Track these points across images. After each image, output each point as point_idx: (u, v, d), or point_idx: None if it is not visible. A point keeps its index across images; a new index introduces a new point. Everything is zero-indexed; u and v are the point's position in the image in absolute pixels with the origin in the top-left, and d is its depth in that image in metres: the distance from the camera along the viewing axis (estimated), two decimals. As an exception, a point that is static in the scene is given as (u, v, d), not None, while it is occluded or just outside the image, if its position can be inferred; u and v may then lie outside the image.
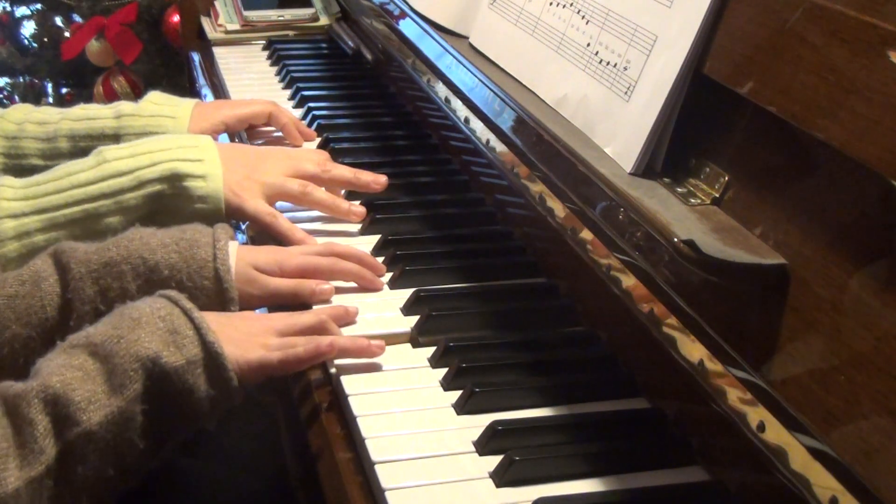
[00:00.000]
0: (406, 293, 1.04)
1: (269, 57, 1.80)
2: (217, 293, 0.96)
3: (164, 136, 1.18)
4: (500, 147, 1.06)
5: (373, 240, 1.15)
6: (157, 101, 1.31)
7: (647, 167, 0.87)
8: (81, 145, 1.26)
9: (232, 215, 1.14)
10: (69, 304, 0.93)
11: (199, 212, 1.11)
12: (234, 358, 0.86)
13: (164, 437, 0.85)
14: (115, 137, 1.26)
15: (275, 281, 1.01)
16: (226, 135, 1.41)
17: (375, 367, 0.93)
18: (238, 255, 1.00)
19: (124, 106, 1.29)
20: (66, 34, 2.83)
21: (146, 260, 0.95)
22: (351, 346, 0.93)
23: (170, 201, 1.11)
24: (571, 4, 1.01)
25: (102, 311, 0.93)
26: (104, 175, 1.09)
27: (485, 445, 0.83)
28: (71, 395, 0.78)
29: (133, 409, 0.81)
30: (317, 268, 1.04)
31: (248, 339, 0.89)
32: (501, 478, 0.79)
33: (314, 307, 1.00)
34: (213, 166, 1.12)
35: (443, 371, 0.93)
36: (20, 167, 1.26)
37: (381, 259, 1.11)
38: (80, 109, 1.30)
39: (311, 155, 1.23)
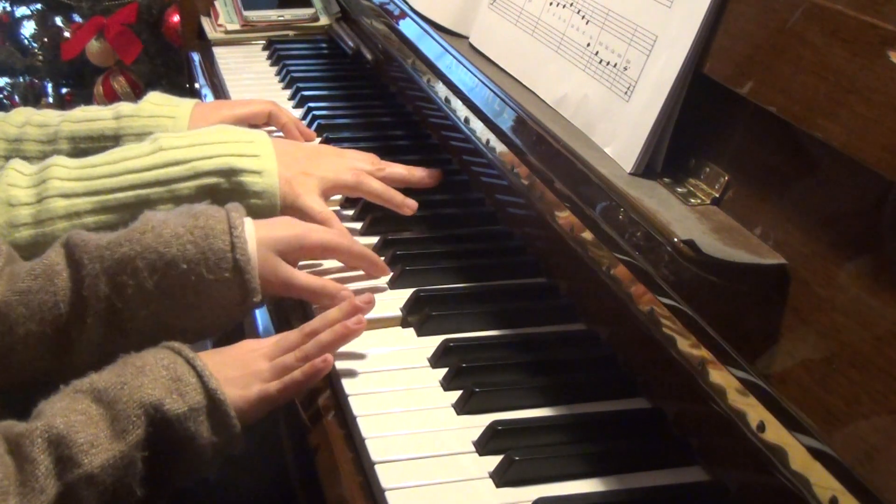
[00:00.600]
0: (406, 293, 1.04)
1: (269, 57, 1.80)
2: (239, 285, 0.95)
3: (222, 127, 1.17)
4: (500, 147, 1.06)
5: (373, 240, 1.16)
6: (157, 102, 1.31)
7: (647, 167, 0.87)
8: (82, 147, 1.26)
9: (287, 210, 1.13)
10: (84, 301, 0.92)
11: (254, 207, 1.10)
12: (235, 399, 0.86)
13: (162, 486, 0.85)
14: (115, 138, 1.26)
15: (299, 278, 1.00)
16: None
17: (375, 368, 0.93)
18: (258, 239, 0.98)
19: (123, 107, 1.29)
20: (66, 34, 2.83)
21: (162, 255, 0.93)
22: (336, 341, 0.92)
23: (225, 195, 1.10)
24: (571, 4, 1.01)
25: (119, 307, 0.92)
26: (159, 163, 1.09)
27: (485, 445, 0.83)
28: (74, 436, 0.78)
29: (134, 454, 0.81)
30: (337, 247, 1.04)
31: (244, 374, 0.89)
32: (501, 478, 0.79)
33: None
34: (268, 162, 1.12)
35: (443, 371, 0.93)
36: None
37: (381, 259, 1.11)
38: (80, 111, 1.30)
39: (362, 154, 1.23)
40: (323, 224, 1.12)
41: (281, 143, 1.19)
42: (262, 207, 1.11)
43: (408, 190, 1.22)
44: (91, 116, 1.28)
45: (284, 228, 1.02)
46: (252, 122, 1.38)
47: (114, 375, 0.84)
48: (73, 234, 0.96)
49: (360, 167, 1.19)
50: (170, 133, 1.14)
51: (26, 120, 1.27)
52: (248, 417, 0.88)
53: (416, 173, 1.23)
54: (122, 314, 0.93)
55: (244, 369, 0.89)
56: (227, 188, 1.10)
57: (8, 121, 1.26)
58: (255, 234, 0.98)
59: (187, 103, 1.32)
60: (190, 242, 0.94)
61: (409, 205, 1.19)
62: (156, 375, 0.84)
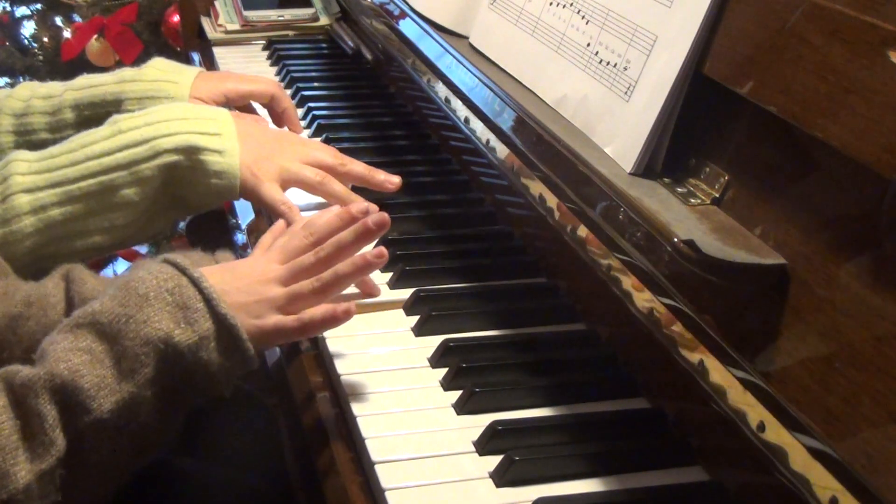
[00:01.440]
0: (406, 293, 1.04)
1: (269, 57, 1.80)
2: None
3: (182, 104, 1.15)
4: (500, 147, 1.06)
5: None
6: (161, 67, 1.29)
7: (647, 167, 0.87)
8: (86, 114, 1.25)
9: (246, 195, 1.12)
10: None
11: (213, 187, 1.09)
12: (247, 326, 0.83)
13: (178, 410, 0.83)
14: (117, 102, 1.24)
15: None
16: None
17: (375, 368, 0.93)
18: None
19: (126, 71, 1.28)
20: (66, 34, 2.83)
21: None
22: (354, 273, 0.90)
23: (185, 173, 1.08)
24: (571, 4, 1.01)
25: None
26: (119, 145, 1.07)
27: (485, 445, 0.83)
28: (79, 381, 0.75)
29: (144, 393, 0.78)
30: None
31: (257, 300, 0.85)
32: (501, 478, 0.79)
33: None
34: (230, 141, 1.10)
35: (443, 371, 0.93)
36: (30, 143, 1.24)
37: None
38: (84, 79, 1.28)
39: (325, 146, 1.21)
40: (283, 216, 1.09)
41: (244, 124, 1.15)
42: (221, 188, 1.09)
43: (414, 191, 1.22)
44: (93, 82, 1.26)
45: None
46: (254, 100, 1.37)
47: (116, 305, 0.79)
48: (75, 271, 0.94)
49: (322, 159, 1.17)
50: (128, 114, 1.11)
51: (31, 93, 1.26)
52: (262, 345, 0.85)
53: (376, 176, 1.19)
54: None
55: (256, 295, 0.85)
56: (187, 166, 1.08)
57: (14, 96, 1.25)
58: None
59: (191, 70, 1.31)
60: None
61: (361, 209, 1.13)
62: (161, 304, 0.79)
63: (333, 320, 0.88)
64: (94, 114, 1.24)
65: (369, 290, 1.01)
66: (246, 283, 0.86)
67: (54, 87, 1.28)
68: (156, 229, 1.14)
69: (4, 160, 1.08)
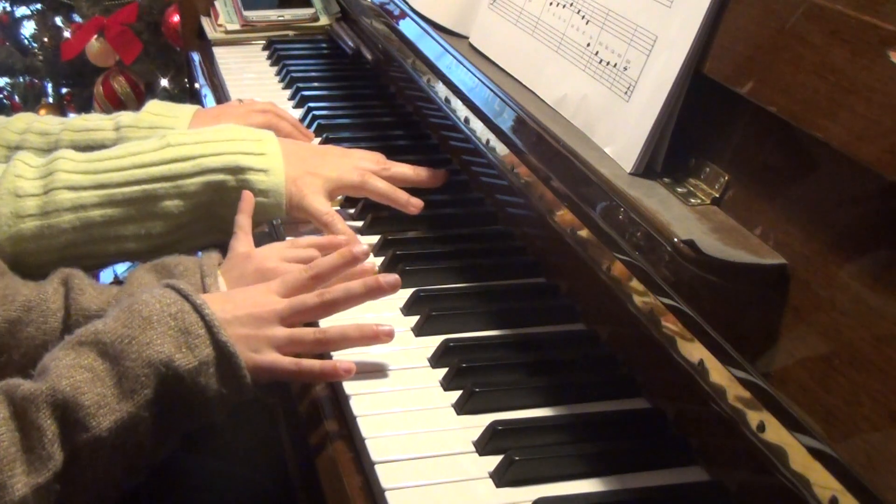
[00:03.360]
0: (406, 293, 1.04)
1: (269, 57, 1.80)
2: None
3: (230, 125, 1.18)
4: (500, 147, 1.06)
5: (373, 240, 1.15)
6: (156, 112, 1.31)
7: (647, 167, 0.87)
8: None
9: (292, 210, 1.14)
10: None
11: (260, 205, 1.11)
12: (245, 359, 0.84)
13: (172, 434, 0.84)
14: None
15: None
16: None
17: (375, 368, 0.93)
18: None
19: (123, 117, 1.30)
20: (66, 34, 2.83)
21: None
22: (359, 338, 0.92)
23: (231, 193, 1.10)
24: (571, 4, 1.01)
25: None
26: (167, 158, 1.09)
27: (485, 445, 0.83)
28: (80, 399, 0.76)
29: (143, 413, 0.79)
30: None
31: (256, 335, 0.86)
32: (501, 478, 0.79)
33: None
34: (275, 160, 1.13)
35: (443, 371, 0.93)
36: None
37: (380, 259, 1.11)
38: (81, 120, 1.30)
39: (367, 154, 1.23)
40: (327, 226, 1.12)
41: (287, 143, 1.19)
42: (267, 206, 1.12)
43: (410, 189, 1.22)
44: (91, 126, 1.28)
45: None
46: None
47: (120, 326, 0.81)
48: (74, 279, 0.94)
49: (365, 167, 1.19)
50: (178, 130, 1.14)
51: (27, 127, 1.28)
52: (254, 380, 0.86)
53: (421, 174, 1.23)
54: None
55: (257, 330, 0.87)
56: (233, 185, 1.11)
57: (9, 127, 1.27)
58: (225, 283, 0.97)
59: (187, 111, 1.32)
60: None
61: (415, 203, 1.19)
62: (164, 328, 0.81)
63: (333, 376, 0.89)
64: None
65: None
66: (246, 313, 0.88)
67: (51, 123, 1.29)
68: (194, 247, 1.16)
69: (52, 155, 1.10)
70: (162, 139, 1.12)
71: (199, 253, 1.08)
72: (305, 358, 0.90)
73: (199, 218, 1.11)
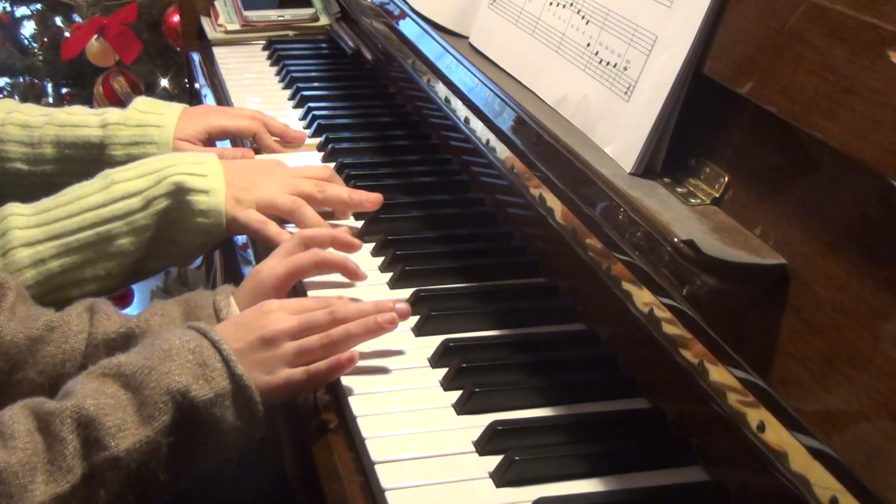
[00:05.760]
0: (406, 293, 1.04)
1: (269, 57, 1.80)
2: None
3: (170, 154, 1.19)
4: (500, 147, 1.06)
5: (373, 240, 1.15)
6: (144, 109, 1.30)
7: (647, 167, 0.87)
8: (67, 152, 1.26)
9: (230, 227, 1.15)
10: (85, 368, 0.90)
11: (200, 225, 1.12)
12: (259, 383, 0.86)
13: (186, 469, 0.86)
14: (101, 147, 1.27)
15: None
16: (228, 141, 1.42)
17: (375, 368, 0.93)
18: (238, 305, 0.99)
19: (110, 114, 1.29)
20: (66, 34, 2.83)
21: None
22: (364, 335, 0.93)
23: (175, 215, 1.11)
24: (571, 4, 1.01)
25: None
26: (114, 197, 1.09)
27: (485, 445, 0.83)
28: (103, 419, 0.79)
29: (160, 440, 0.82)
30: (301, 269, 1.02)
31: (268, 357, 0.88)
32: (501, 478, 0.79)
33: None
34: (216, 181, 1.13)
35: (443, 371, 0.93)
36: (2, 170, 1.26)
37: (381, 259, 1.11)
38: (65, 114, 1.29)
39: (311, 172, 1.22)
40: (259, 231, 1.13)
41: (229, 162, 1.19)
42: (207, 226, 1.13)
43: (414, 191, 1.22)
44: (77, 122, 1.28)
45: (249, 281, 1.02)
46: (237, 137, 1.39)
47: (141, 358, 0.84)
48: (101, 304, 0.98)
49: (303, 189, 1.17)
50: (120, 167, 1.13)
51: (7, 117, 1.26)
52: (271, 400, 0.88)
53: (354, 197, 1.20)
54: None
55: (268, 350, 0.88)
56: (176, 207, 1.11)
57: None
58: (236, 305, 0.99)
59: (174, 109, 1.32)
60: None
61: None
62: (182, 361, 0.84)
63: (339, 369, 0.90)
64: (75, 154, 1.26)
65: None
66: (257, 336, 0.89)
67: (33, 115, 1.29)
68: (146, 275, 1.17)
69: (1, 213, 1.08)
70: (105, 178, 1.11)
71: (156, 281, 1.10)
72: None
73: (150, 246, 1.12)
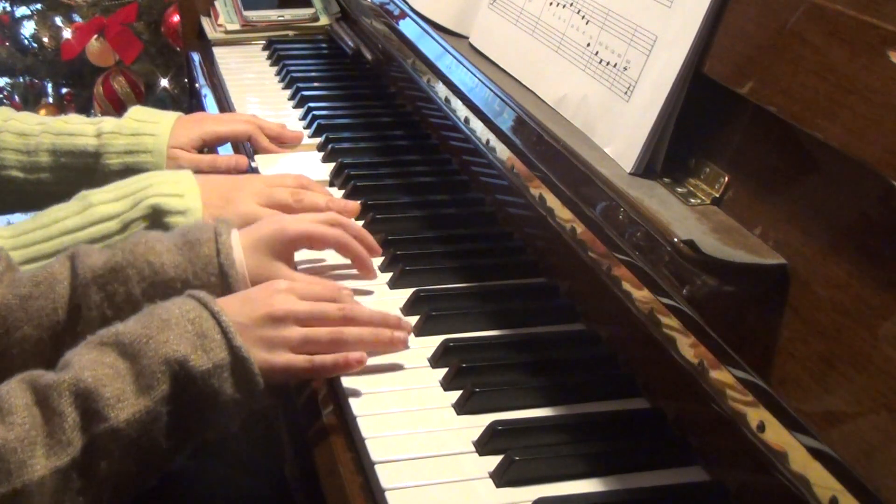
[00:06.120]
0: (406, 293, 1.04)
1: (269, 57, 1.80)
2: (224, 289, 0.96)
3: (146, 174, 1.17)
4: (500, 147, 1.06)
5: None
6: (139, 118, 1.31)
7: (647, 167, 0.87)
8: (63, 161, 1.27)
9: None
10: (77, 308, 0.94)
11: None
12: (259, 360, 0.86)
13: (187, 438, 0.86)
14: (97, 156, 1.27)
15: (288, 274, 1.01)
16: (229, 146, 1.42)
17: (375, 368, 0.93)
18: (244, 243, 0.99)
19: (105, 123, 1.29)
20: (66, 34, 2.83)
21: (151, 263, 0.95)
22: (374, 344, 0.93)
23: None
24: (571, 4, 1.01)
25: (109, 316, 0.93)
26: (91, 220, 1.09)
27: (485, 445, 0.83)
28: (101, 391, 0.79)
29: (159, 409, 0.81)
30: (323, 237, 1.04)
31: (272, 336, 0.88)
32: (501, 478, 0.79)
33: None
34: (193, 200, 1.12)
35: (443, 371, 0.93)
36: None
37: (380, 259, 1.11)
38: (62, 122, 1.30)
39: (287, 181, 1.21)
40: None
41: (204, 180, 1.17)
42: None
43: (414, 191, 1.22)
44: (72, 130, 1.28)
45: (266, 226, 1.03)
46: (233, 140, 1.39)
47: (139, 327, 0.84)
48: (79, 247, 0.98)
49: (279, 199, 1.16)
50: (97, 189, 1.12)
51: (3, 125, 1.27)
52: (270, 380, 0.88)
53: (332, 206, 1.18)
54: (112, 323, 0.93)
55: (273, 329, 0.88)
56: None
57: None
58: (239, 240, 0.99)
59: (169, 118, 1.32)
60: (178, 253, 0.96)
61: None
62: (181, 330, 0.84)
63: (345, 367, 0.90)
64: (71, 162, 1.27)
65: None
66: (263, 314, 0.89)
67: (29, 122, 1.29)
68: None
69: None
70: (83, 199, 1.11)
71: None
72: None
73: None
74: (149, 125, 1.30)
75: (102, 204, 1.10)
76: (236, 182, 1.21)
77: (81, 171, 1.26)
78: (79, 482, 0.79)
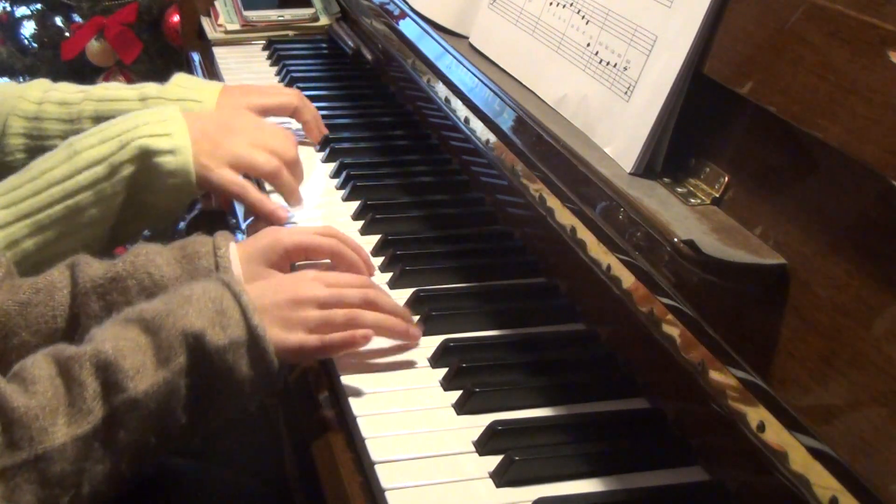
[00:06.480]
0: (406, 293, 1.04)
1: (269, 57, 1.80)
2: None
3: (132, 114, 1.15)
4: (500, 147, 1.06)
5: (373, 240, 1.15)
6: (184, 85, 1.29)
7: (647, 167, 0.87)
8: None
9: (202, 186, 1.13)
10: (76, 317, 0.94)
11: (170, 186, 1.11)
12: (275, 340, 0.87)
13: (205, 415, 0.86)
14: None
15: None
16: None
17: (375, 368, 0.93)
18: (241, 255, 1.00)
19: (149, 88, 1.28)
20: (66, 34, 2.83)
21: (151, 274, 0.95)
22: (387, 330, 0.94)
23: (142, 179, 1.10)
24: (571, 4, 1.01)
25: None
26: (78, 167, 1.07)
27: (485, 445, 0.83)
28: (121, 362, 0.81)
29: (178, 381, 0.83)
30: (318, 247, 1.03)
31: (292, 316, 0.89)
32: (501, 478, 0.79)
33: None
34: (181, 139, 1.11)
35: (443, 371, 0.93)
36: (43, 148, 1.23)
37: (380, 259, 1.11)
38: (102, 89, 1.28)
39: (279, 134, 1.21)
40: (238, 195, 1.13)
41: (194, 117, 1.16)
42: (177, 185, 1.11)
43: (414, 191, 1.22)
44: (115, 96, 1.26)
45: (262, 237, 1.03)
46: (277, 114, 1.37)
47: (161, 304, 0.86)
48: (81, 256, 0.98)
49: (274, 146, 1.16)
50: (82, 134, 1.11)
51: (43, 96, 1.25)
52: (283, 359, 0.89)
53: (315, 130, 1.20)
54: None
55: (293, 311, 0.90)
56: (143, 171, 1.09)
57: (25, 97, 1.25)
58: (237, 252, 0.99)
59: (215, 86, 1.31)
60: (178, 264, 0.97)
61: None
62: (201, 306, 0.85)
63: (353, 343, 0.91)
64: None
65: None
66: (285, 298, 0.90)
67: (70, 92, 1.27)
68: (125, 240, 1.16)
69: None
70: (69, 147, 1.09)
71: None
72: None
73: (124, 212, 1.11)
74: (194, 91, 1.28)
75: (88, 149, 1.08)
76: (229, 122, 1.19)
77: None
78: (99, 451, 0.80)
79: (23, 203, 1.06)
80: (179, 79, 1.30)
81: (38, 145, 1.24)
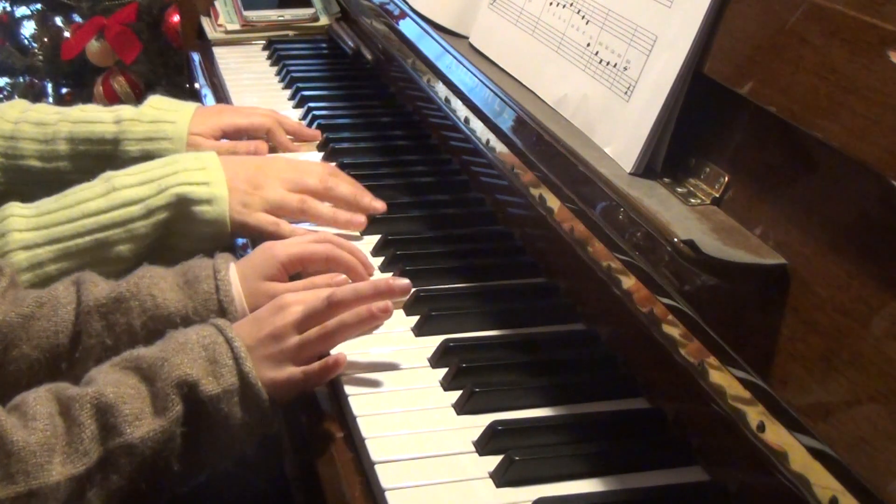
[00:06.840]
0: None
1: (269, 57, 1.80)
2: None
3: (172, 157, 1.17)
4: (500, 147, 1.06)
5: (373, 240, 1.16)
6: (158, 106, 1.30)
7: (647, 167, 0.87)
8: (81, 149, 1.26)
9: (237, 232, 1.14)
10: (78, 335, 0.95)
11: (204, 234, 1.12)
12: (265, 380, 0.87)
13: (199, 462, 0.87)
14: (115, 142, 1.26)
15: (280, 288, 1.01)
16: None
17: (375, 368, 0.93)
18: (240, 275, 1.00)
19: (124, 111, 1.29)
20: (66, 34, 2.83)
21: (154, 297, 0.96)
22: (358, 324, 0.92)
23: (177, 226, 1.11)
24: (571, 4, 1.01)
25: (109, 345, 0.94)
26: (115, 204, 1.08)
27: (485, 445, 0.83)
28: (121, 407, 0.82)
29: (174, 430, 0.83)
30: (313, 255, 1.03)
31: (278, 351, 0.89)
32: (501, 478, 0.79)
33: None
34: (218, 188, 1.12)
35: (443, 371, 0.93)
36: (17, 167, 1.26)
37: (381, 259, 1.11)
38: (79, 111, 1.29)
39: (314, 168, 1.21)
40: (274, 234, 1.13)
41: (230, 163, 1.17)
42: (212, 234, 1.12)
43: (414, 191, 1.22)
44: (90, 118, 1.28)
45: (257, 255, 1.03)
46: (251, 135, 1.38)
47: (157, 350, 0.86)
48: (85, 273, 0.99)
49: (307, 185, 1.17)
50: (122, 171, 1.12)
51: (21, 115, 1.27)
52: (275, 398, 0.89)
53: (362, 200, 1.19)
54: (111, 353, 0.93)
55: (276, 345, 0.89)
56: (179, 219, 1.10)
57: (3, 116, 1.26)
58: (237, 273, 1.00)
59: (188, 107, 1.32)
60: (180, 289, 0.97)
61: (355, 222, 1.17)
62: (195, 355, 0.86)
63: (328, 371, 0.90)
64: (89, 150, 1.26)
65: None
66: (266, 333, 0.90)
67: (47, 113, 1.28)
68: None
69: (1, 213, 1.08)
70: (107, 182, 1.10)
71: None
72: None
73: (149, 254, 1.11)
74: (169, 113, 1.29)
75: (127, 188, 1.10)
76: (263, 165, 1.20)
77: (100, 158, 1.25)
78: (90, 492, 0.81)
79: (54, 228, 1.07)
80: (154, 101, 1.32)
81: (12, 164, 1.25)
